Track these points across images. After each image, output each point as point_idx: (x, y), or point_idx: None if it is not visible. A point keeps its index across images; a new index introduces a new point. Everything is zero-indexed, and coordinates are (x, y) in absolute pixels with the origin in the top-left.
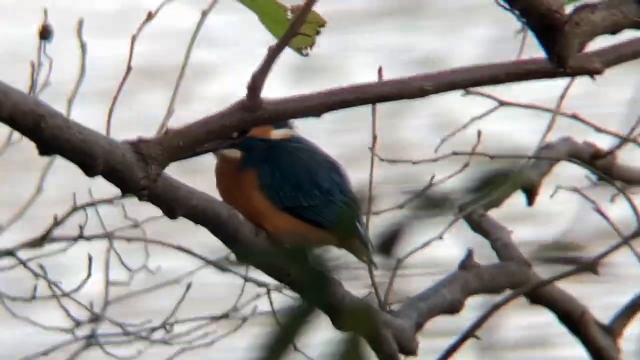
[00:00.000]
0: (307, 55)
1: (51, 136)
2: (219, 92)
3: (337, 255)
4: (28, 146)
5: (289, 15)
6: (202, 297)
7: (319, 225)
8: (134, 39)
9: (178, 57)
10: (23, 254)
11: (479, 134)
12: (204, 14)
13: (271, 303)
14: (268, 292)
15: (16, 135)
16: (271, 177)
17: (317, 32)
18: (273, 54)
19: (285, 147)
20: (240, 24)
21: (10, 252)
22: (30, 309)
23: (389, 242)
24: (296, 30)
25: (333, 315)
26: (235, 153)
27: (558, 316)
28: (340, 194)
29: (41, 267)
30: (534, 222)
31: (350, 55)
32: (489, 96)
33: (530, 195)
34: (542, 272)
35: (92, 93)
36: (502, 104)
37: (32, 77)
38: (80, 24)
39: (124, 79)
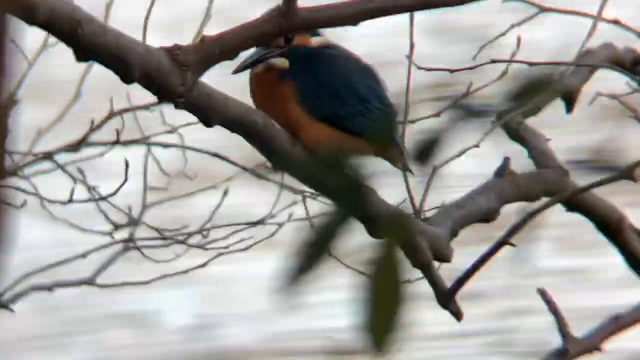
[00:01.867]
0: None
1: (88, 42)
2: None
3: (373, 163)
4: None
5: None
6: (239, 203)
7: (355, 134)
8: None
9: None
10: (61, 158)
11: (518, 40)
12: None
13: (307, 210)
14: (304, 199)
15: (52, 39)
16: (309, 86)
17: None
18: None
19: (324, 55)
20: None
21: (48, 156)
22: (68, 212)
23: (426, 150)
24: None
25: (368, 223)
26: (283, 62)
27: (595, 223)
28: (378, 101)
29: (79, 170)
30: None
31: None
32: (529, 2)
33: (570, 102)
34: (580, 179)
35: None
36: (542, 10)
37: None
38: None
39: None
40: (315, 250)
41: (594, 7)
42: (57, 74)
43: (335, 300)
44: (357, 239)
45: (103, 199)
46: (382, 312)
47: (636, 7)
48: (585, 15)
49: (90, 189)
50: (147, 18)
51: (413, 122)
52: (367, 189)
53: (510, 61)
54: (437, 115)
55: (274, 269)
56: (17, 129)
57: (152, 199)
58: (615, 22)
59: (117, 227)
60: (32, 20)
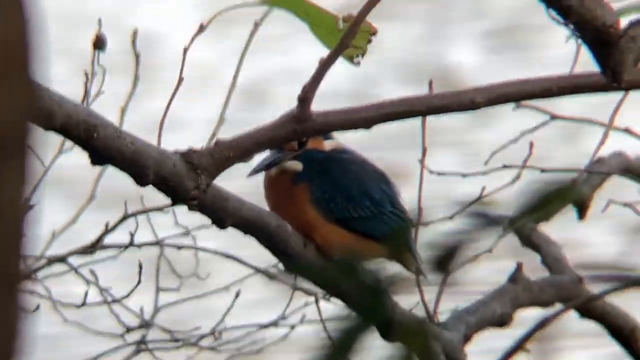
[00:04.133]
0: (358, 64)
1: (103, 146)
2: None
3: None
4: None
5: (341, 24)
6: (251, 305)
7: (369, 237)
8: (185, 50)
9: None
10: (74, 261)
11: (531, 146)
12: (256, 25)
13: (319, 311)
14: (316, 301)
15: (68, 144)
16: (323, 189)
17: (369, 41)
18: (324, 66)
19: (338, 159)
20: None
21: (62, 259)
22: (81, 315)
23: (442, 259)
24: (348, 43)
25: (382, 328)
26: (297, 165)
27: (609, 331)
28: (391, 205)
29: (93, 273)
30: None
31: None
32: (540, 110)
33: (582, 209)
34: (594, 286)
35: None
36: (553, 117)
37: (85, 86)
38: (135, 34)
39: (175, 90)
40: (335, 358)
41: (605, 115)
42: (72, 176)
43: None
44: (371, 344)
45: (116, 301)
46: None
47: None
48: (596, 123)
49: (102, 291)
50: (163, 119)
51: (426, 225)
52: (384, 294)
53: (522, 167)
54: (450, 219)
55: None
56: (33, 232)
57: (164, 301)
58: (626, 130)
59: (129, 329)
60: (49, 125)
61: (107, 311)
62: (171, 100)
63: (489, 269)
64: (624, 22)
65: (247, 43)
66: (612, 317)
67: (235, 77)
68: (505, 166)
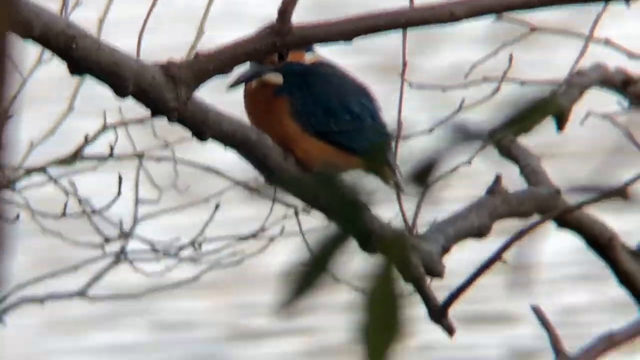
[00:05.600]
0: None
1: (82, 57)
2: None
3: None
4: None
5: None
6: (231, 217)
7: (348, 150)
8: None
9: None
10: (54, 172)
11: (510, 58)
12: None
13: (299, 224)
14: (296, 213)
15: (47, 54)
16: (303, 102)
17: None
18: None
19: (318, 72)
20: None
21: (41, 169)
22: (61, 225)
23: (421, 172)
24: None
25: (361, 239)
26: (277, 78)
27: (586, 241)
28: (371, 119)
29: (72, 184)
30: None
31: None
32: (520, 21)
33: (561, 121)
34: (571, 197)
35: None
36: (532, 29)
37: None
38: None
39: (152, 5)
40: (313, 269)
41: (584, 28)
42: (50, 87)
43: (333, 319)
44: (350, 255)
45: (95, 212)
46: (381, 328)
47: (627, 27)
48: (576, 34)
49: (82, 202)
50: (141, 33)
51: (405, 139)
52: (362, 206)
53: (502, 79)
54: (429, 132)
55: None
56: (12, 143)
57: (144, 212)
58: (606, 42)
59: (108, 240)
60: (27, 35)
61: (87, 222)
62: (152, 8)
63: (467, 181)
64: None
65: None
66: (589, 227)
67: None
68: (485, 79)
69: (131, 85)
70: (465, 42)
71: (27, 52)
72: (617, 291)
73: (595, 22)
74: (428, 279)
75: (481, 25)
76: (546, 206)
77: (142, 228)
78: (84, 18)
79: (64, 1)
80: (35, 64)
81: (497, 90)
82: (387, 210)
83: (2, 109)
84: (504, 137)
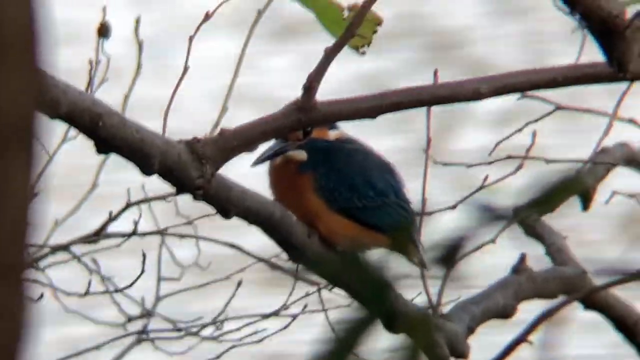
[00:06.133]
0: (364, 54)
1: (108, 135)
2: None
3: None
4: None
5: (345, 14)
6: (253, 294)
7: (372, 227)
8: (191, 38)
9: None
10: (78, 249)
11: (534, 136)
12: (260, 13)
13: (322, 302)
14: (319, 291)
15: (73, 132)
16: (327, 178)
17: (375, 31)
18: (329, 55)
19: (342, 148)
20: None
21: (65, 247)
22: (83, 303)
23: (446, 251)
24: (353, 32)
25: (386, 319)
26: (301, 154)
27: (612, 323)
28: (395, 196)
29: (95, 262)
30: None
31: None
32: (545, 100)
33: (586, 200)
34: (597, 278)
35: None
36: (558, 107)
37: (90, 74)
38: (137, 22)
39: (180, 80)
40: (338, 349)
41: (609, 107)
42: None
43: None
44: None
45: (118, 290)
46: None
47: None
48: (601, 113)
49: (105, 280)
50: (166, 111)
51: (429, 216)
52: (388, 286)
53: (526, 157)
54: (453, 209)
55: None
56: (38, 221)
57: (166, 290)
58: (631, 120)
59: (130, 319)
60: (54, 113)
61: (110, 300)
62: (176, 88)
63: (492, 259)
64: (630, 12)
65: (250, 31)
66: (615, 308)
67: (237, 66)
68: (509, 156)
69: (157, 163)
70: (490, 122)
71: (54, 129)
72: None
73: (620, 101)
74: None
75: (507, 103)
76: (572, 286)
77: (164, 306)
78: (108, 96)
79: (90, 79)
80: (60, 141)
81: (520, 167)
82: (411, 288)
83: (29, 188)
84: (529, 216)
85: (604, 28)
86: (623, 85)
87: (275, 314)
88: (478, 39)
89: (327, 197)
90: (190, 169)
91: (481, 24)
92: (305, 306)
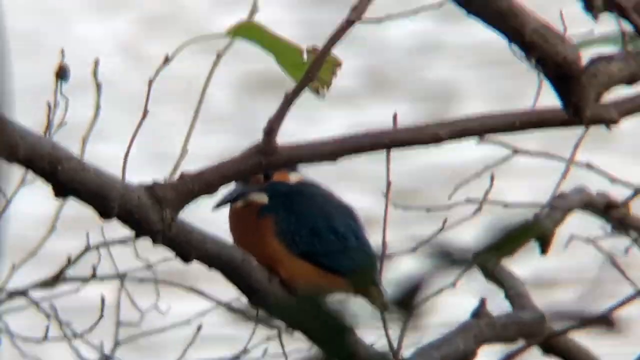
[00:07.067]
0: (324, 96)
1: (67, 179)
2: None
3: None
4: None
5: (305, 56)
6: (213, 339)
7: (333, 271)
8: (150, 83)
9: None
10: (35, 294)
11: (492, 180)
12: (219, 56)
13: (282, 346)
14: (279, 335)
15: (31, 176)
16: (287, 222)
17: (334, 74)
18: (289, 99)
19: (302, 192)
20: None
21: (22, 292)
22: (41, 349)
23: (406, 296)
24: (313, 76)
25: None
26: (262, 198)
27: None
28: (356, 240)
29: (53, 307)
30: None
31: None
32: (502, 144)
33: (544, 244)
34: (556, 323)
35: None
36: (515, 152)
37: (48, 117)
38: (96, 64)
39: (141, 121)
40: None
41: (567, 151)
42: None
43: None
44: None
45: (76, 336)
46: None
47: (608, 152)
48: (558, 158)
49: (62, 325)
50: (127, 154)
51: (390, 259)
52: (347, 330)
53: (484, 201)
54: (414, 251)
55: None
56: None
57: (125, 335)
58: (588, 166)
59: None
60: (12, 158)
61: (68, 346)
62: (135, 134)
63: (452, 303)
64: (585, 55)
65: (210, 73)
66: (574, 353)
67: (199, 103)
68: (468, 200)
69: (116, 207)
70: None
71: (11, 173)
72: None
73: (576, 146)
74: None
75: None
76: (531, 331)
77: (123, 350)
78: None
79: (49, 122)
80: (18, 184)
81: (479, 210)
82: (372, 333)
83: None
84: (488, 260)
85: (560, 73)
86: (580, 130)
87: (236, 358)
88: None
89: (288, 241)
90: (150, 213)
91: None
92: (266, 350)
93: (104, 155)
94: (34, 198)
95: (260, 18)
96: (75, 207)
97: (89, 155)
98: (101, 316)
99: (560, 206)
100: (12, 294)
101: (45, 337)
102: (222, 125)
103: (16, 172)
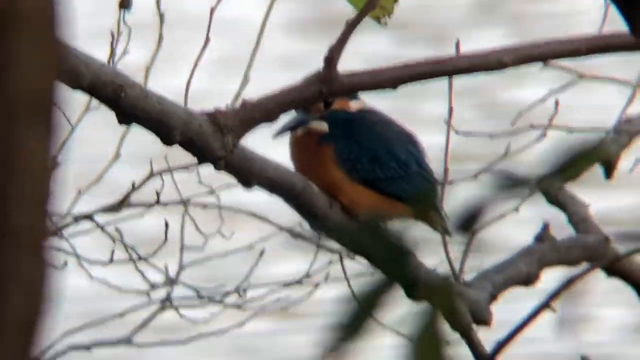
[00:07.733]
0: (385, 24)
1: (130, 106)
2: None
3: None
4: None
5: None
6: (276, 263)
7: (394, 197)
8: (212, 10)
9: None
10: (101, 219)
11: (556, 105)
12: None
13: (344, 270)
14: (341, 259)
15: (95, 102)
16: (348, 150)
17: (396, 1)
18: (351, 27)
19: (363, 119)
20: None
21: (88, 216)
22: (107, 272)
23: (468, 218)
24: (375, 3)
25: (407, 287)
26: (322, 126)
27: (636, 290)
28: (416, 165)
29: (118, 231)
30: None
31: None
32: (568, 69)
33: (609, 169)
34: (620, 245)
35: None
36: (580, 77)
37: (111, 46)
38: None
39: (201, 51)
40: (359, 316)
41: (632, 74)
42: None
43: None
44: (396, 302)
45: (141, 259)
46: None
47: None
48: (624, 82)
49: (128, 248)
50: (189, 79)
51: (451, 185)
52: (409, 254)
53: (548, 126)
54: (475, 178)
55: (318, 335)
56: (60, 190)
57: (189, 259)
58: None
59: (154, 286)
60: (76, 85)
61: (133, 269)
62: (197, 61)
63: (515, 228)
64: None
65: (269, 8)
66: (638, 275)
67: (258, 39)
68: (532, 126)
69: (178, 134)
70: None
71: (76, 100)
72: None
73: None
74: (475, 327)
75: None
76: (595, 254)
77: (187, 274)
78: (131, 61)
79: (112, 51)
80: (83, 112)
81: (543, 136)
82: (434, 257)
83: (51, 158)
84: (552, 184)
85: None
86: None
87: (298, 282)
88: None
89: (349, 168)
90: (211, 140)
91: None
92: (328, 274)
93: (167, 87)
94: (98, 126)
95: None
96: (139, 135)
97: (152, 85)
98: (165, 240)
99: (626, 130)
100: (78, 218)
101: (111, 260)
102: (279, 65)
103: (81, 99)
